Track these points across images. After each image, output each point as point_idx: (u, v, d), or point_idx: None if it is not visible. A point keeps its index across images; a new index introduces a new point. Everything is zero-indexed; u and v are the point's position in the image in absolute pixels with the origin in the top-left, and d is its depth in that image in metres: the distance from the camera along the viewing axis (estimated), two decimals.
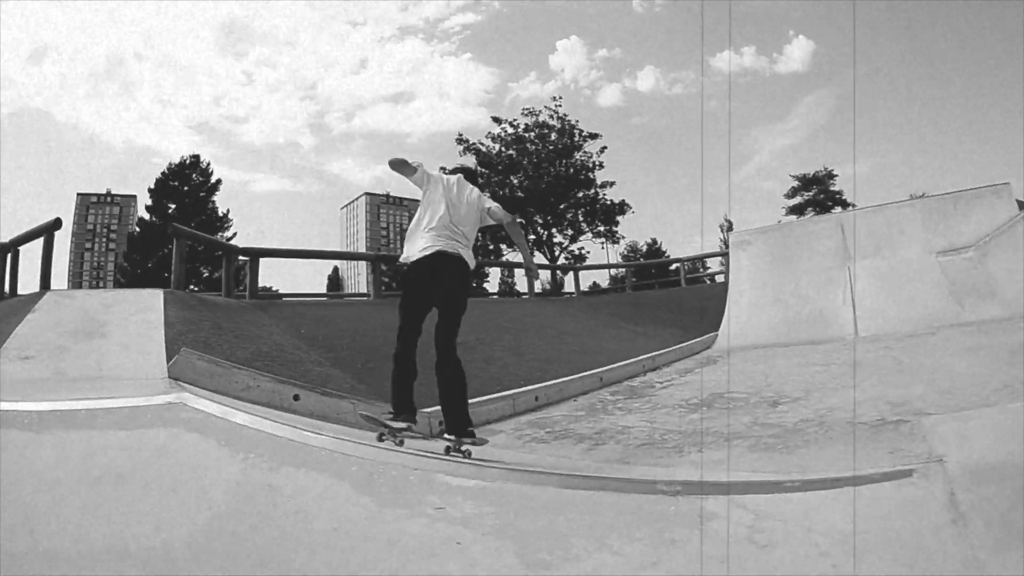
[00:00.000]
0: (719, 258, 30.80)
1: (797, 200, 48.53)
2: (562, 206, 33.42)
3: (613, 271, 38.90)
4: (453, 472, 3.52)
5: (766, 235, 13.88)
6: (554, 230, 33.63)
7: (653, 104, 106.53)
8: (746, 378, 7.54)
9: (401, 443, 4.29)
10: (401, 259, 4.72)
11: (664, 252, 51.51)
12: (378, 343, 8.29)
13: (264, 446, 3.63)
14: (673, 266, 36.38)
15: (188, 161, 40.87)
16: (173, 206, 38.49)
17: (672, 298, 18.98)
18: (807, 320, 11.49)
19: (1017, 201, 11.70)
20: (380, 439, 4.28)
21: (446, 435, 4.45)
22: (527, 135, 33.41)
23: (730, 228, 59.10)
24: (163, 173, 40.10)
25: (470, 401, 4.67)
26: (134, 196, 45.66)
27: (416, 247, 4.58)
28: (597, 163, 33.84)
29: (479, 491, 3.37)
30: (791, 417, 5.30)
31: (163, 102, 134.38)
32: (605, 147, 34.10)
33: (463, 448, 4.31)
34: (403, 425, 4.40)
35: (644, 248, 49.98)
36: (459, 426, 4.42)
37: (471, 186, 4.96)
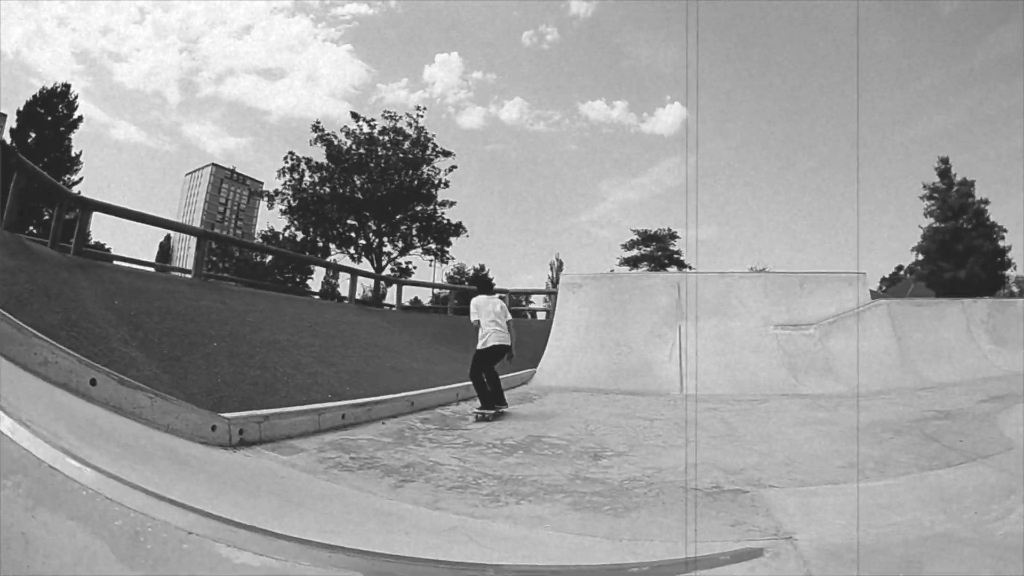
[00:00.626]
0: (543, 296, 30.76)
1: (634, 253, 51.36)
2: (398, 216, 32.73)
3: (436, 291, 38.27)
4: (239, 544, 2.61)
5: (599, 281, 14.11)
6: (386, 239, 32.91)
7: (512, 136, 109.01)
8: (566, 423, 7.27)
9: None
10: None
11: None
12: (188, 328, 8.33)
13: (30, 472, 2.73)
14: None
15: (59, 90, 39.08)
16: (34, 135, 36.97)
17: None
18: (630, 371, 11.64)
19: (871, 291, 12.43)
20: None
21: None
22: (381, 138, 32.61)
23: (560, 268, 60.98)
24: (34, 97, 38.37)
25: (275, 410, 5.53)
26: (4, 115, 40.94)
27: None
28: (443, 181, 33.52)
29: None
30: (616, 474, 4.90)
31: (60, 19, 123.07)
32: (455, 167, 33.85)
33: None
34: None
35: (471, 272, 50.03)
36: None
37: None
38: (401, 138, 33.25)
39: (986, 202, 44.76)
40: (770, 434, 6.73)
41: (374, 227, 32.79)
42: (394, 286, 24.93)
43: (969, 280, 41.57)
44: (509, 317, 8.06)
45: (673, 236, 51.28)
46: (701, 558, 3.11)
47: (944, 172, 45.98)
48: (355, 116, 33.29)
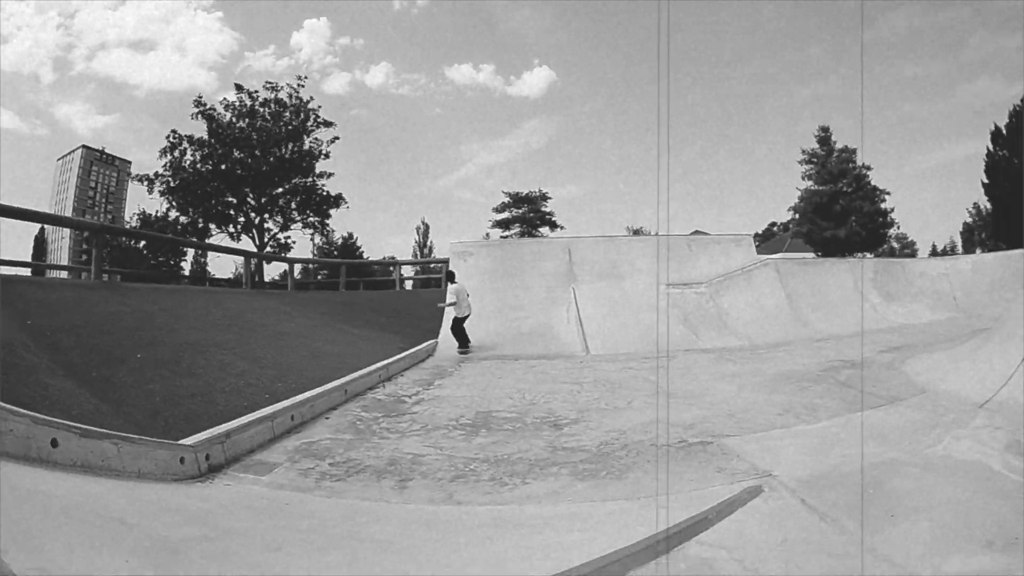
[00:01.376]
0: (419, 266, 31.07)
1: (506, 215, 52.53)
2: (279, 190, 31.73)
3: (312, 265, 37.73)
4: None
5: (489, 248, 14.92)
6: (266, 215, 31.82)
7: (376, 100, 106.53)
8: (502, 395, 7.69)
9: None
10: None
11: (359, 248, 51.82)
12: (107, 342, 7.77)
13: None
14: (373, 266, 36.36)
15: None
16: None
17: (385, 301, 19.44)
18: (531, 335, 12.30)
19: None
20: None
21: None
22: (261, 110, 31.37)
23: (426, 231, 61.21)
24: None
25: (231, 425, 5.30)
26: None
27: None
28: (325, 152, 32.74)
29: None
30: (588, 440, 5.47)
31: None
32: (337, 138, 33.11)
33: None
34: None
35: (339, 242, 49.29)
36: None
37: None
38: (282, 109, 32.15)
39: (868, 168, 49.20)
40: (701, 390, 7.55)
41: (254, 203, 31.58)
42: (287, 266, 24.35)
43: (848, 238, 46.42)
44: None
45: (545, 197, 53.19)
46: (721, 504, 3.67)
47: (824, 139, 50.61)
48: (239, 88, 31.87)
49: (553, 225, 52.24)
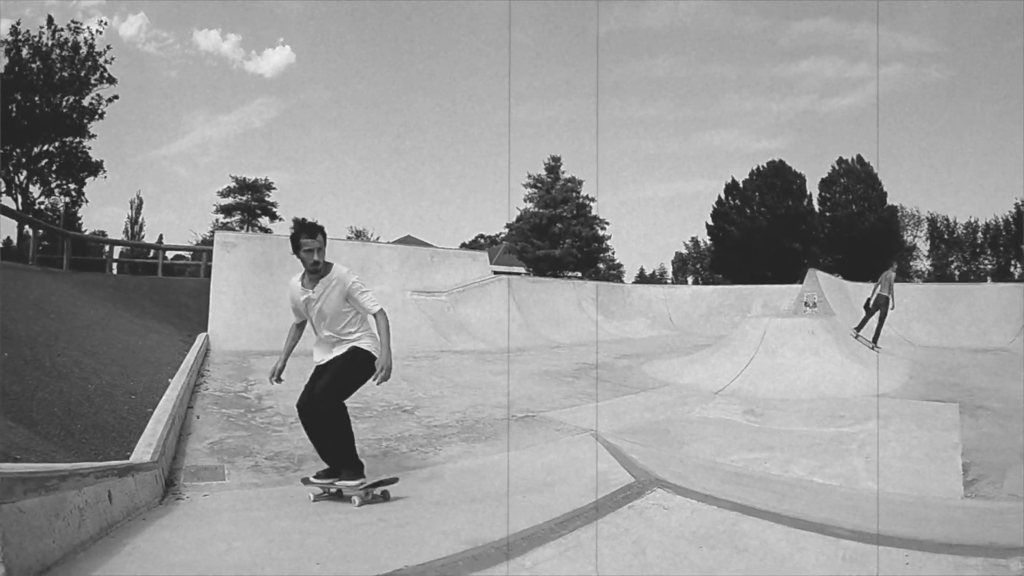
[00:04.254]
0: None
1: (230, 200, 52.53)
2: (40, 149, 28.56)
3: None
4: None
5: (251, 241, 15.93)
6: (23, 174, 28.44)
7: (122, 53, 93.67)
8: None
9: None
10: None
11: (79, 220, 48.09)
12: None
13: None
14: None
15: None
16: None
17: (155, 287, 18.69)
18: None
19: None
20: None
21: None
22: (58, 51, 28.07)
23: (140, 206, 58.44)
24: None
25: (155, 434, 5.28)
26: None
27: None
28: (101, 112, 30.21)
29: None
30: (443, 419, 7.54)
31: None
32: (116, 96, 30.71)
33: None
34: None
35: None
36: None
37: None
38: (76, 54, 28.96)
39: (592, 199, 58.81)
40: (487, 382, 10.21)
41: (14, 159, 27.97)
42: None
43: (562, 258, 54.68)
44: None
45: (269, 187, 53.54)
46: (608, 443, 6.25)
47: (553, 168, 58.75)
48: (51, 21, 28.11)
49: (273, 216, 52.90)
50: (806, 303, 16.37)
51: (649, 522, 4.10)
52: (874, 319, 16.49)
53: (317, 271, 4.92)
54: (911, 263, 67.17)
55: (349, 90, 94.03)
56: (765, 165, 64.10)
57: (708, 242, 67.99)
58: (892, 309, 16.60)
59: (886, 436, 7.44)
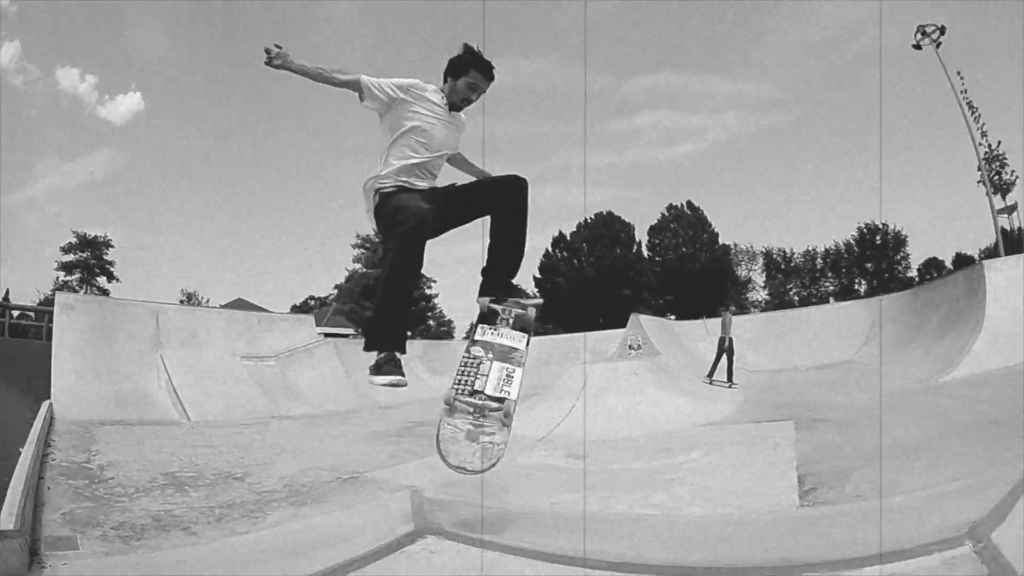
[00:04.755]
0: None
1: (71, 257, 51.20)
2: None
3: None
4: None
5: (88, 304, 16.15)
6: None
7: None
8: (161, 458, 9.04)
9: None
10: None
11: None
12: None
13: None
14: None
15: None
16: None
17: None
18: (129, 399, 13.21)
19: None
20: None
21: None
22: None
23: None
24: None
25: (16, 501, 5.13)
26: None
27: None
28: None
29: None
30: (272, 485, 7.54)
31: None
32: None
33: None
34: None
35: None
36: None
37: None
38: None
39: None
40: (313, 447, 10.29)
41: None
42: None
43: None
44: None
45: (108, 244, 52.04)
46: (422, 497, 6.32)
47: None
48: None
49: (111, 276, 51.41)
50: (630, 346, 17.17)
51: (414, 565, 4.32)
52: (724, 360, 18.00)
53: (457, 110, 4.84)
54: (747, 296, 72.67)
55: (192, 143, 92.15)
56: (593, 217, 67.99)
57: (535, 294, 69.88)
58: (731, 347, 18.22)
59: (716, 463, 7.75)
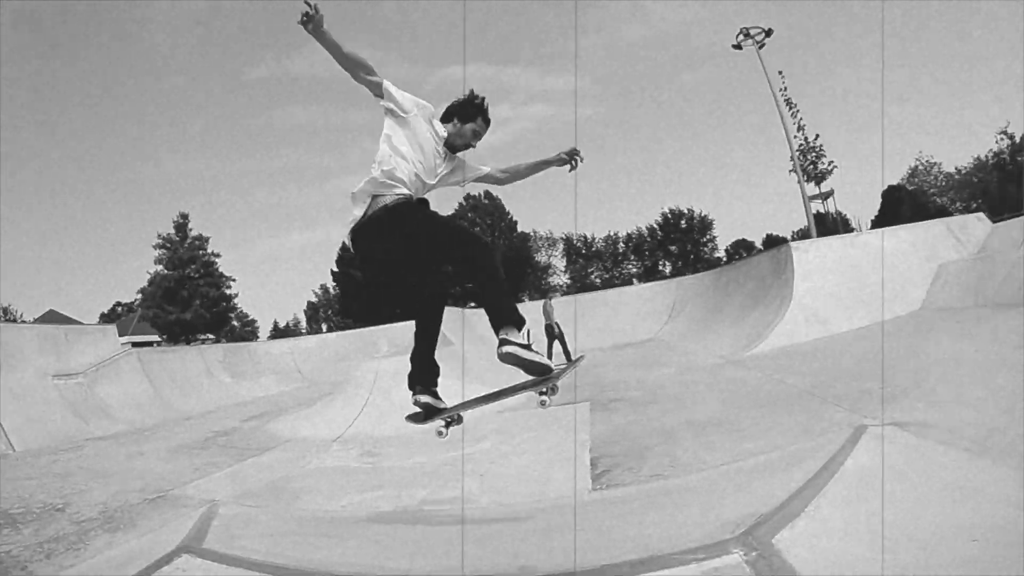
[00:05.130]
0: None
1: None
2: None
3: None
4: None
5: None
6: None
7: None
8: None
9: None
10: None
11: None
12: None
13: None
14: None
15: None
16: None
17: None
18: None
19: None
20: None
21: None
22: None
23: None
24: None
25: None
26: None
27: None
28: None
29: None
30: (91, 511, 7.79)
31: None
32: None
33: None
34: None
35: None
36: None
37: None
38: None
39: (217, 255, 58.15)
40: (124, 468, 10.22)
41: None
42: None
43: (193, 321, 52.64)
44: None
45: None
46: (216, 513, 6.87)
47: (181, 226, 56.81)
48: None
49: None
50: None
51: None
52: (557, 346, 19.21)
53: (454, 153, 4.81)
54: (548, 280, 74.28)
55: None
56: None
57: (334, 288, 70.76)
58: (561, 332, 19.30)
59: (508, 451, 8.08)
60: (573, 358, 17.24)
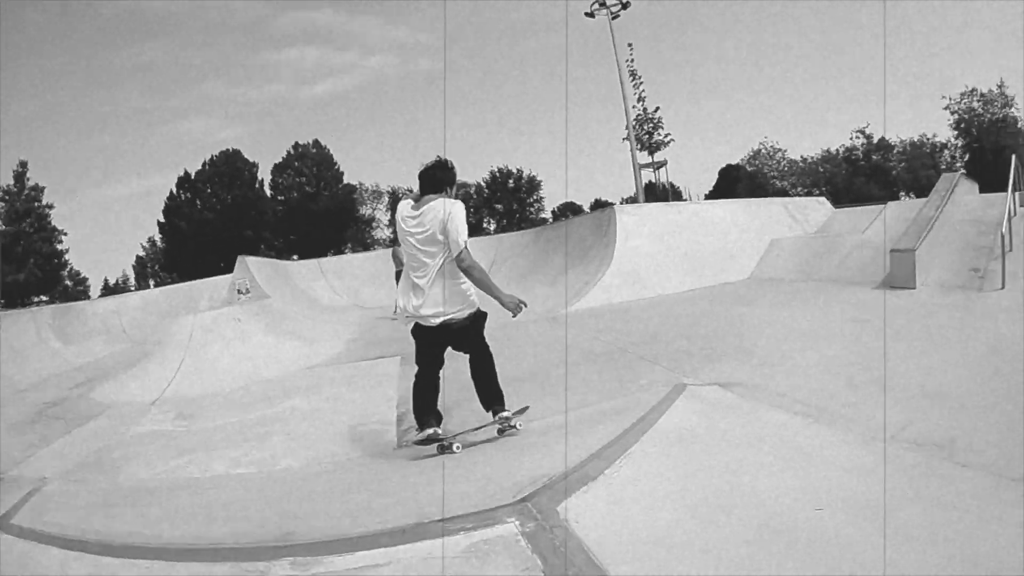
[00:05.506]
0: None
1: None
2: None
3: None
4: None
5: None
6: None
7: None
8: None
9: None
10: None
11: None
12: None
13: None
14: None
15: None
16: None
17: None
18: None
19: None
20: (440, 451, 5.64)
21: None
22: None
23: None
24: None
25: None
26: None
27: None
28: None
29: None
30: None
31: None
32: None
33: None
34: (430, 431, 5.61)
35: None
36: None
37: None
38: None
39: (51, 206, 53.36)
40: None
41: None
42: None
43: (27, 281, 47.39)
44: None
45: None
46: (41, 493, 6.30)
47: (19, 176, 52.16)
48: None
49: None
50: (239, 291, 16.95)
51: None
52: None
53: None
54: (371, 233, 74.07)
55: None
56: (218, 155, 65.67)
57: (161, 240, 67.51)
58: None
59: (315, 408, 7.84)
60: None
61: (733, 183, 73.04)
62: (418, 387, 5.73)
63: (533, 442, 5.46)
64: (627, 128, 40.69)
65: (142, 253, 76.74)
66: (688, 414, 5.17)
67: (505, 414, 5.75)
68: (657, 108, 46.87)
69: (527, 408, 6.04)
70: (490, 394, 5.82)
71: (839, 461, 4.48)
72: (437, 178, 5.68)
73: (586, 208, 77.63)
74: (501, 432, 5.77)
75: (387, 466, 5.76)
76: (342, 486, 5.28)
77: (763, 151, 74.07)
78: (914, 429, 5.03)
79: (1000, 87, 61.81)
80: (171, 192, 63.35)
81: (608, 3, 39.62)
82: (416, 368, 5.81)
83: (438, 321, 5.48)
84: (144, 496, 5.81)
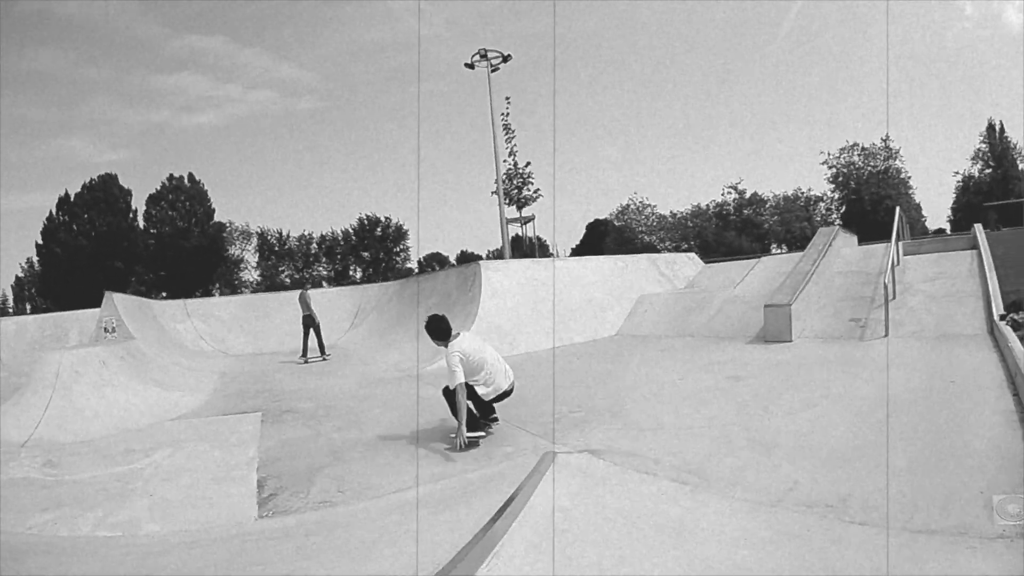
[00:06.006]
0: None
1: None
2: None
3: None
4: None
5: None
6: None
7: None
8: None
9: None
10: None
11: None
12: None
13: None
14: None
15: None
16: None
17: None
18: None
19: None
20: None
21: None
22: None
23: None
24: None
25: None
26: None
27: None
28: None
29: None
30: None
31: None
32: None
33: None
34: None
35: None
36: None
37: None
38: None
39: None
40: None
41: None
42: None
43: None
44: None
45: None
46: None
47: None
48: None
49: None
50: (105, 329, 16.33)
51: None
52: (313, 339, 17.99)
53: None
54: (239, 275, 72.77)
55: None
56: (97, 179, 62.94)
57: (38, 263, 64.10)
58: (319, 322, 18.20)
59: (178, 466, 7.49)
60: (322, 354, 17.24)
61: (601, 237, 75.30)
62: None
63: (389, 529, 5.16)
64: (496, 182, 41.12)
65: (21, 274, 74.15)
66: (560, 489, 5.05)
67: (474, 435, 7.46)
68: (528, 163, 47.72)
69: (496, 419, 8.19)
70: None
71: (725, 532, 4.39)
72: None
73: (452, 260, 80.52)
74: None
75: (249, 539, 5.44)
76: (199, 563, 5.02)
77: (632, 206, 76.67)
78: (802, 491, 5.03)
79: (884, 140, 68.07)
80: (50, 213, 60.26)
81: (489, 55, 40.18)
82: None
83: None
84: (14, 553, 5.25)
